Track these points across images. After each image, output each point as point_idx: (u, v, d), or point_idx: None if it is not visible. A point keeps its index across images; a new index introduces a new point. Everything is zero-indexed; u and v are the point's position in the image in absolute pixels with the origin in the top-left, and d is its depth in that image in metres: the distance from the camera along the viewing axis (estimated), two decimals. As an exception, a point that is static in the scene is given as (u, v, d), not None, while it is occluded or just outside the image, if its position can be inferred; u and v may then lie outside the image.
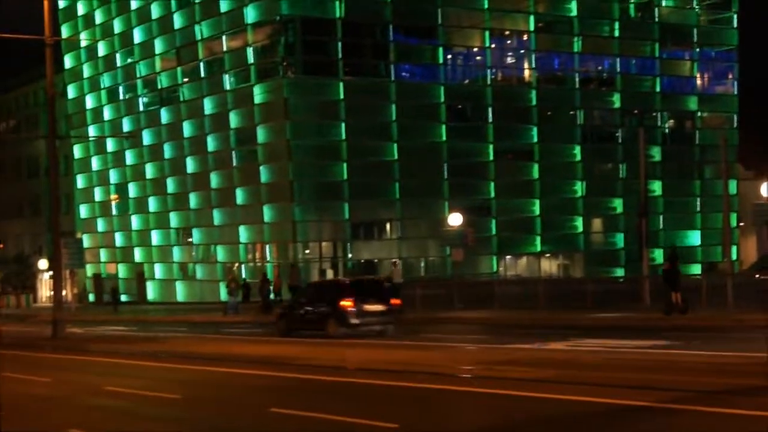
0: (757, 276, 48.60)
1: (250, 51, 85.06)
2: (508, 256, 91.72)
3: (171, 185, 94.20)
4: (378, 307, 36.41)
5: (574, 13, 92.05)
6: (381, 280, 44.66)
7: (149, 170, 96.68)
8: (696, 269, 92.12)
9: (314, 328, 37.09)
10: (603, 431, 14.66)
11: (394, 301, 37.69)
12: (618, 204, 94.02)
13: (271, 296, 61.73)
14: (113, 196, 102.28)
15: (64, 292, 54.33)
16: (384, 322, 36.53)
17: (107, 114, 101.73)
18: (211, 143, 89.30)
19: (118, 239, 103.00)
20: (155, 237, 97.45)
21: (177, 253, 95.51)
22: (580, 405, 16.85)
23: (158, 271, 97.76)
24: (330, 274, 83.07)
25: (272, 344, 35.05)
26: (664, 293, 38.55)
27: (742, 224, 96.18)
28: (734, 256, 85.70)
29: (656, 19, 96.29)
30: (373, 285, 39.79)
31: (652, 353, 25.34)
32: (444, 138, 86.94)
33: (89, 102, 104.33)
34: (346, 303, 36.13)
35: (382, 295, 37.49)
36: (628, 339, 29.26)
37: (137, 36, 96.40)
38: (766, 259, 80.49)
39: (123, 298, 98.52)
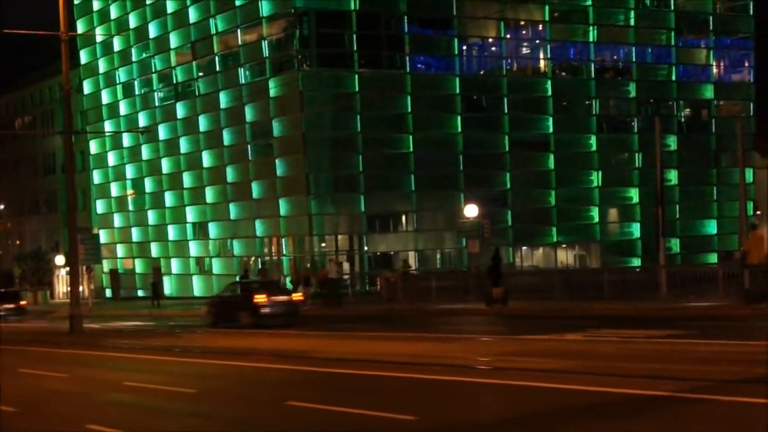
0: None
1: (265, 44, 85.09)
2: (524, 247, 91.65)
3: (187, 180, 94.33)
4: (282, 298, 44.43)
5: (589, 2, 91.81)
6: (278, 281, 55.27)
7: (165, 165, 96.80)
8: (713, 258, 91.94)
9: (232, 319, 43.21)
10: (621, 421, 14.63)
11: (297, 297, 46.46)
12: (634, 194, 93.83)
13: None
14: (130, 192, 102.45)
15: (81, 288, 54.44)
16: (287, 313, 43.02)
17: (123, 109, 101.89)
18: (226, 137, 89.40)
19: (135, 234, 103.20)
20: (172, 232, 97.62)
21: (194, 248, 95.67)
22: (598, 395, 16.82)
23: (175, 266, 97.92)
24: (346, 267, 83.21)
25: (288, 338, 35.09)
26: (485, 287, 45.17)
27: (758, 212, 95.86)
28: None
29: (672, 8, 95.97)
30: (276, 285, 49.92)
31: (669, 343, 25.27)
32: (459, 129, 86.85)
33: (105, 97, 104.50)
34: (259, 298, 43.06)
35: (286, 293, 46.96)
36: (644, 329, 29.19)
37: (152, 30, 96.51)
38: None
39: (140, 293, 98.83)
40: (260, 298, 42.93)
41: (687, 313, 34.92)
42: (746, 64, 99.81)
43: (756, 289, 35.50)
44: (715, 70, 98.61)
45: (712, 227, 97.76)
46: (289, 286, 64.57)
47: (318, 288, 59.12)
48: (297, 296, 47.03)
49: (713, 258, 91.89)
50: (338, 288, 58.19)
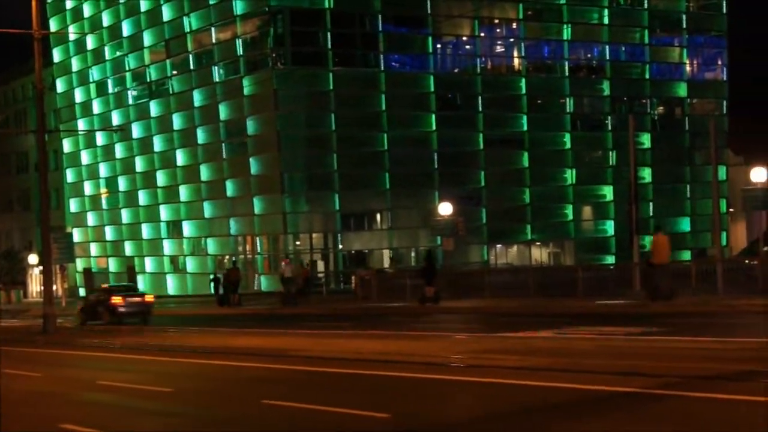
0: (747, 261, 48.65)
1: (239, 42, 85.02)
2: (498, 245, 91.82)
3: (161, 178, 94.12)
4: (136, 300, 50.91)
5: (563, 0, 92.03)
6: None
7: (139, 164, 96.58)
8: (686, 255, 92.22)
9: (96, 318, 50.10)
10: (594, 418, 14.69)
11: (149, 299, 52.33)
12: (608, 191, 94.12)
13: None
14: (103, 190, 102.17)
15: (54, 287, 54.24)
16: (141, 312, 49.56)
17: (96, 107, 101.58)
18: (201, 136, 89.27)
19: (109, 233, 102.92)
20: (146, 230, 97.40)
21: (168, 247, 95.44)
22: (572, 392, 16.88)
23: (149, 264, 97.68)
24: (321, 266, 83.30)
25: (264, 336, 35.06)
26: (421, 287, 46.83)
27: (731, 210, 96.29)
28: (724, 242, 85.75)
29: (645, 6, 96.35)
30: (133, 289, 56.06)
31: (643, 340, 25.37)
32: (434, 127, 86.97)
33: (78, 96, 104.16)
34: (116, 299, 50.11)
35: (140, 295, 52.86)
36: (618, 326, 29.27)
37: (126, 29, 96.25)
38: (756, 245, 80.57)
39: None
40: (117, 300, 50.09)
41: (661, 309, 35.02)
42: (719, 62, 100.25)
43: (655, 288, 37.31)
44: (688, 68, 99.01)
45: (685, 225, 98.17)
46: (265, 285, 64.69)
47: (303, 287, 59.06)
48: (149, 298, 53.05)
49: (687, 255, 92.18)
50: (290, 288, 58.20)
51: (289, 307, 54.55)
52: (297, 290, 57.70)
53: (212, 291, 63.87)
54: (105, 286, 60.89)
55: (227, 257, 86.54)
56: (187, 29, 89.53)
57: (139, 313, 49.69)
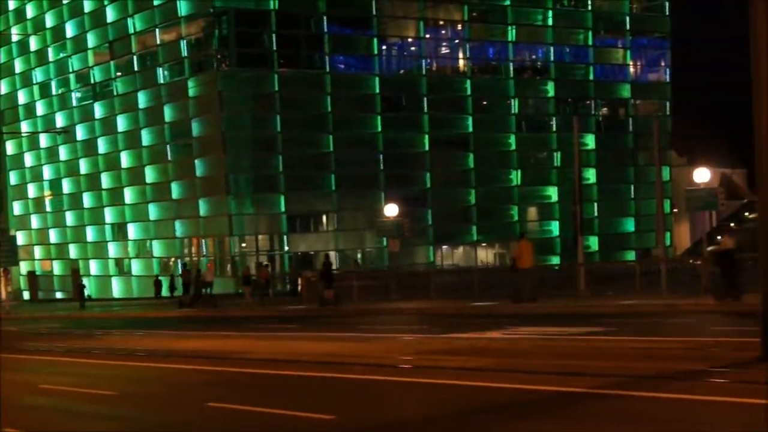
0: (691, 261, 49.08)
1: (183, 44, 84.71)
2: (444, 246, 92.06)
3: (106, 180, 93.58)
4: None
5: (508, 2, 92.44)
6: None
7: (83, 166, 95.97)
8: (630, 255, 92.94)
9: None
10: (540, 418, 14.73)
11: None
12: (553, 192, 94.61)
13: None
14: (47, 193, 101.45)
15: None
16: None
17: (40, 109, 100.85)
18: (145, 137, 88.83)
19: (53, 236, 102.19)
20: (90, 233, 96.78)
21: (113, 249, 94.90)
22: (518, 393, 16.92)
23: (94, 267, 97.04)
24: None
25: (210, 339, 34.93)
26: (319, 290, 48.63)
27: (675, 210, 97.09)
28: (668, 242, 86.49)
29: (589, 8, 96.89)
30: None
31: (588, 340, 25.50)
32: (379, 129, 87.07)
33: (21, 97, 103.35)
34: None
35: None
36: (564, 326, 29.41)
37: (69, 30, 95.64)
38: (700, 245, 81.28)
39: (58, 295, 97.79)
40: None
41: (606, 310, 35.23)
42: (662, 64, 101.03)
43: (526, 290, 39.87)
44: (632, 70, 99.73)
45: (629, 225, 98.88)
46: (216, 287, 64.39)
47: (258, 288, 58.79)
48: None
49: (631, 255, 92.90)
50: (200, 290, 58.17)
51: (210, 309, 55.08)
52: (260, 292, 57.62)
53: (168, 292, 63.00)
54: None
55: (171, 260, 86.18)
56: (131, 30, 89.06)
57: None
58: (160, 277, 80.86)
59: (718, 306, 32.68)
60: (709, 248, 42.84)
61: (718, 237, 42.28)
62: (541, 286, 42.62)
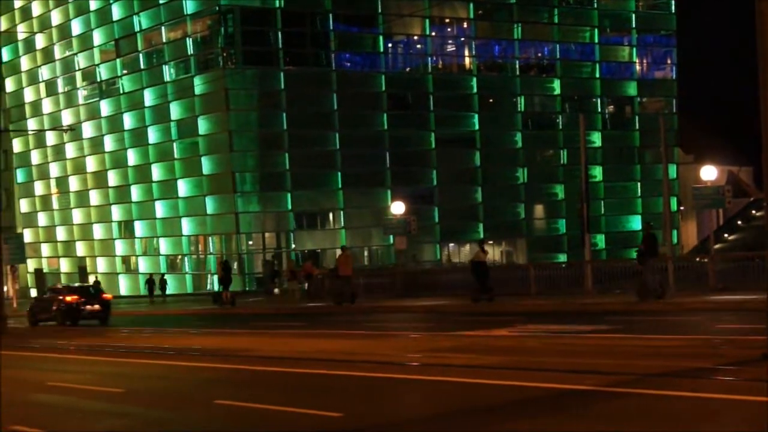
0: (698, 259, 49.01)
1: (189, 42, 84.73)
2: (451, 244, 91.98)
3: (112, 178, 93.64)
4: (95, 305, 48.51)
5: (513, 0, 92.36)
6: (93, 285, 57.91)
7: (90, 163, 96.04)
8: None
9: (50, 318, 48.99)
10: (548, 416, 14.72)
11: (106, 297, 50.42)
12: (559, 190, 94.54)
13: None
14: (54, 190, 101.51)
15: (5, 288, 53.80)
16: (99, 315, 48.31)
17: (46, 107, 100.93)
18: (152, 135, 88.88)
19: (60, 233, 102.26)
20: (97, 231, 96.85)
21: (120, 247, 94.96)
22: (525, 390, 16.91)
23: (101, 264, 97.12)
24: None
25: (219, 336, 34.93)
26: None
27: (682, 208, 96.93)
28: (675, 240, 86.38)
29: (595, 6, 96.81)
30: (88, 289, 52.59)
31: (594, 338, 25.48)
32: (385, 127, 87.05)
33: (28, 95, 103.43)
34: (71, 298, 48.66)
35: (96, 295, 49.86)
36: (571, 324, 29.39)
37: (76, 28, 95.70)
38: (707, 243, 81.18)
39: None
40: (72, 298, 49.06)
41: (612, 308, 35.21)
42: (669, 61, 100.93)
43: (339, 293, 46.68)
44: (638, 68, 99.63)
45: (636, 223, 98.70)
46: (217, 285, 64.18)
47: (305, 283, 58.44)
48: (107, 296, 51.45)
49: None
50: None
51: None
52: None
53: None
54: (60, 285, 59.55)
55: (178, 258, 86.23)
56: (137, 28, 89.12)
57: (96, 313, 48.20)
58: (155, 276, 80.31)
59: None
60: (716, 246, 42.73)
61: (477, 249, 43.70)
62: (550, 284, 42.65)
